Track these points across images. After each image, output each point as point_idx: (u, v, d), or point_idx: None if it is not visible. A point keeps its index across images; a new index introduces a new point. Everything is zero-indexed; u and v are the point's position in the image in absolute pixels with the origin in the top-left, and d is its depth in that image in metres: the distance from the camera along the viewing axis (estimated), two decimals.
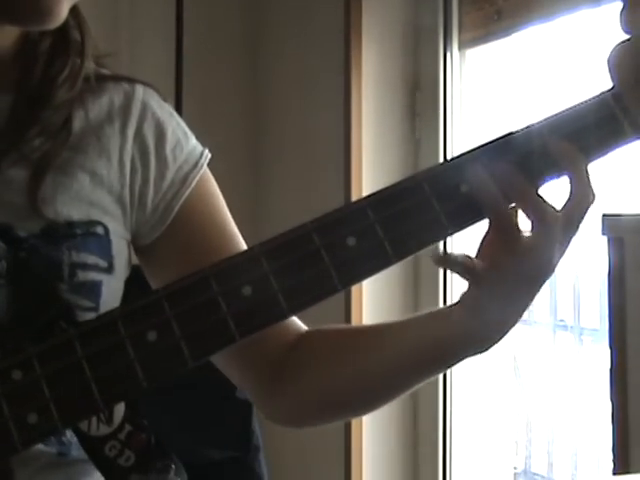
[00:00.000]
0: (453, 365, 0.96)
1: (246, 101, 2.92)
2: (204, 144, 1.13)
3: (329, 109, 2.55)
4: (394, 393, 1.01)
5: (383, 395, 1.02)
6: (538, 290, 0.86)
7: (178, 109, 2.63)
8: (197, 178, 1.08)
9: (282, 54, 2.84)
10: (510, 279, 0.84)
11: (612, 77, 0.84)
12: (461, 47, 2.38)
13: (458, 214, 0.82)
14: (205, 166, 1.10)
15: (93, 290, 0.99)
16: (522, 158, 0.83)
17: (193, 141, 1.11)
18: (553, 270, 0.85)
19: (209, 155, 1.11)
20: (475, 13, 2.33)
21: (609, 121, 0.83)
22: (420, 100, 2.45)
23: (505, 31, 2.27)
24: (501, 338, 0.91)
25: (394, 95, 2.48)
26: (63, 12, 0.95)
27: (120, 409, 0.86)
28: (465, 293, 0.89)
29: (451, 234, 0.84)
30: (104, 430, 0.86)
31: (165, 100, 1.11)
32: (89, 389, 0.77)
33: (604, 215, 1.62)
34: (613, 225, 1.62)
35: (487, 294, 0.85)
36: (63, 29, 1.02)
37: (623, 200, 1.70)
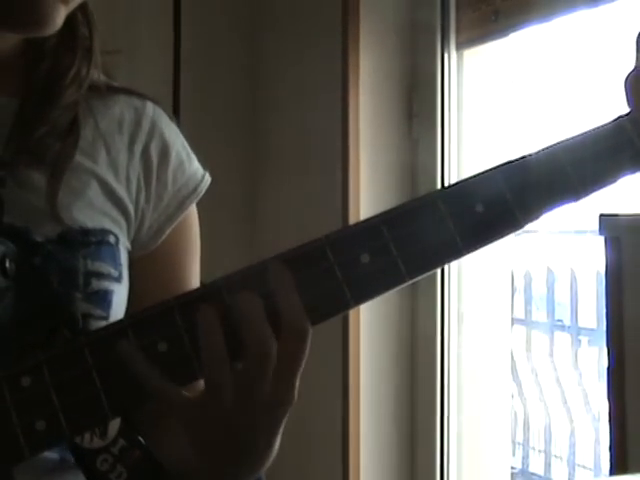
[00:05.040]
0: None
1: (243, 100, 2.92)
2: (202, 149, 1.13)
3: (327, 109, 2.55)
4: None
5: None
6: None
7: (175, 114, 2.63)
8: (194, 203, 1.09)
9: (280, 55, 2.84)
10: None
11: (629, 101, 0.83)
12: (458, 47, 2.37)
13: (473, 234, 0.82)
14: (203, 192, 1.10)
15: (105, 299, 0.99)
16: (537, 181, 0.82)
17: (195, 164, 1.11)
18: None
19: (209, 180, 1.11)
20: (472, 14, 2.33)
21: (626, 146, 0.82)
22: (417, 100, 2.45)
23: (502, 32, 2.26)
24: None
25: (391, 95, 2.48)
26: (59, 19, 0.94)
27: (115, 423, 0.84)
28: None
29: (466, 254, 0.82)
30: (97, 443, 0.84)
31: (172, 119, 1.11)
32: (98, 398, 0.77)
33: (601, 215, 1.62)
34: (610, 225, 1.62)
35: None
36: (71, 25, 1.02)
37: (620, 200, 1.70)
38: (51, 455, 0.96)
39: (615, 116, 0.83)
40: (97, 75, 1.05)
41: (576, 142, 0.83)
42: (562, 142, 0.83)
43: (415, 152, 2.45)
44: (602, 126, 0.83)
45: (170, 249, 1.08)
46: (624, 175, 0.83)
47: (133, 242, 1.06)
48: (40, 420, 0.76)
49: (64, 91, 1.01)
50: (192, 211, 1.10)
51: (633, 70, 0.83)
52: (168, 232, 1.07)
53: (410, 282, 0.81)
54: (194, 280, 1.10)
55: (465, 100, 2.38)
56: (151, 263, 1.07)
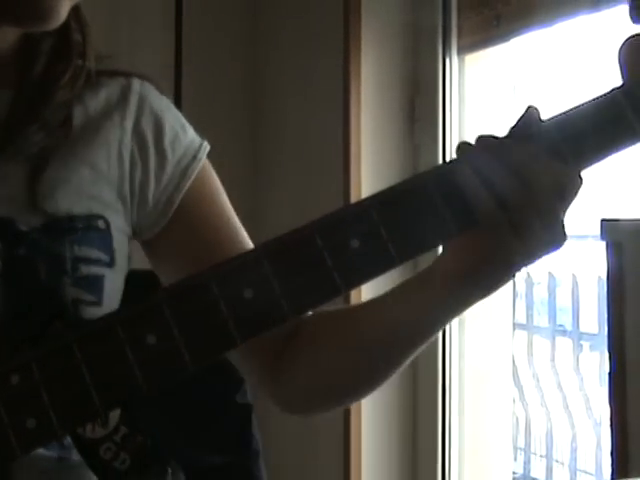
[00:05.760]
0: (439, 330, 0.96)
1: (245, 106, 2.92)
2: None
3: (328, 114, 2.55)
4: (389, 368, 1.00)
5: (379, 371, 1.01)
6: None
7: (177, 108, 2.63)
8: (197, 170, 1.08)
9: (281, 58, 2.84)
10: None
11: (622, 73, 0.81)
12: (460, 52, 2.38)
13: (463, 215, 0.81)
14: (204, 158, 1.09)
15: (96, 284, 0.99)
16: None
17: (191, 133, 1.10)
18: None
19: (208, 147, 1.10)
20: (474, 18, 2.33)
21: (619, 120, 0.81)
22: (419, 105, 2.45)
23: (504, 36, 2.27)
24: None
25: (393, 100, 2.48)
26: (63, 13, 0.95)
27: (116, 411, 0.85)
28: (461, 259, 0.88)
29: (456, 235, 0.82)
30: (99, 432, 0.85)
31: (162, 92, 1.11)
32: (88, 394, 0.77)
33: (603, 220, 1.62)
34: (612, 230, 1.62)
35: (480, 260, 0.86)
36: (65, 31, 1.02)
37: (622, 205, 1.70)
38: (49, 454, 0.96)
39: (608, 89, 0.82)
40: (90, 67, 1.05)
41: (568, 117, 0.82)
42: (554, 118, 0.82)
43: (417, 157, 2.46)
44: (595, 99, 0.82)
45: (193, 209, 1.07)
46: (619, 149, 0.82)
47: (142, 221, 1.06)
48: (30, 418, 0.76)
49: (56, 93, 1.01)
50: (205, 164, 1.09)
51: (626, 40, 0.81)
52: (178, 202, 1.06)
53: (400, 265, 0.81)
54: (233, 216, 1.10)
55: (467, 105, 2.39)
56: (181, 226, 1.06)
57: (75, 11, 1.03)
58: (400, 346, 0.98)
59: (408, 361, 0.99)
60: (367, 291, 2.32)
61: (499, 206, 0.80)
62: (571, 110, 0.82)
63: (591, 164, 0.82)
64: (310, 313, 1.05)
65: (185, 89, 2.77)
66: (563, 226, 0.82)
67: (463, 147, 0.83)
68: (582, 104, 0.82)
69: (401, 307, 0.94)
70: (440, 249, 0.89)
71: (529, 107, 0.83)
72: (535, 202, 0.80)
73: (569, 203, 0.82)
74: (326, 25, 2.60)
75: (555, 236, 0.82)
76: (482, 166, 0.80)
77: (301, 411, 1.11)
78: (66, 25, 1.02)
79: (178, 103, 2.70)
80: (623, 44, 0.81)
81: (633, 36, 0.81)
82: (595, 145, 0.81)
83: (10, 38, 1.01)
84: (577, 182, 0.81)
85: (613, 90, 0.82)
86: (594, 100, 0.82)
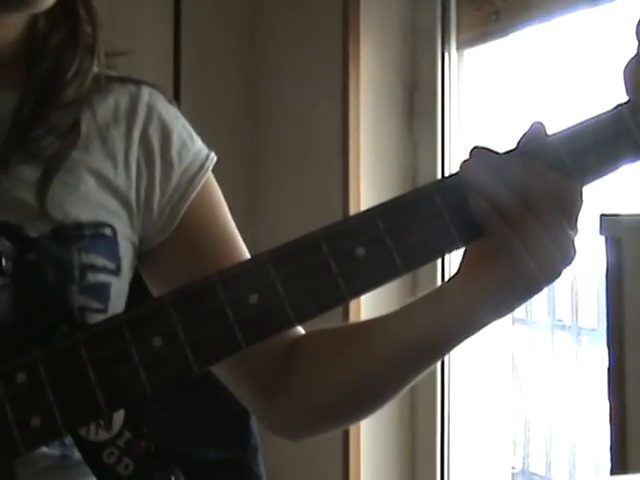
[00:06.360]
0: (445, 355, 0.96)
1: (244, 100, 2.92)
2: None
3: (327, 109, 2.55)
4: (389, 390, 0.99)
5: (378, 393, 1.00)
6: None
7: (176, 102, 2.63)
8: (203, 180, 1.07)
9: (280, 54, 2.84)
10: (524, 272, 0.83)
11: (628, 90, 0.82)
12: (459, 47, 2.38)
13: (469, 226, 0.82)
14: (211, 169, 1.09)
15: (103, 292, 0.99)
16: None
17: (199, 143, 1.10)
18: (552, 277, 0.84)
19: (215, 158, 1.10)
20: (473, 13, 2.33)
21: (623, 136, 0.82)
22: (418, 100, 2.45)
23: (503, 31, 2.27)
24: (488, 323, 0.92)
25: (392, 95, 2.48)
26: None
27: (120, 415, 0.85)
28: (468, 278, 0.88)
29: (461, 246, 0.83)
30: (103, 436, 0.85)
31: (171, 102, 1.10)
32: (93, 394, 0.77)
33: (602, 215, 1.62)
34: (611, 225, 1.62)
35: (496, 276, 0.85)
36: (74, 23, 1.02)
37: (621, 200, 1.70)
38: (52, 452, 0.96)
39: (614, 105, 0.83)
40: (99, 67, 1.04)
41: (573, 132, 0.82)
42: (560, 132, 0.83)
43: (415, 151, 2.46)
44: (600, 115, 0.83)
45: (196, 221, 1.07)
46: (622, 164, 0.83)
47: (147, 230, 1.05)
48: (35, 416, 0.76)
49: (64, 90, 1.00)
50: (209, 178, 1.09)
51: (633, 59, 0.82)
52: (183, 212, 1.06)
53: (405, 274, 0.81)
54: (234, 230, 1.09)
55: (465, 99, 2.39)
56: (182, 237, 1.06)
57: (86, 3, 1.02)
58: (403, 368, 0.97)
59: (409, 384, 0.98)
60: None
61: (503, 221, 0.81)
62: (576, 125, 0.83)
63: (595, 179, 0.83)
64: (304, 332, 1.05)
65: (184, 87, 2.77)
66: (572, 241, 0.83)
67: (462, 164, 0.84)
68: (587, 119, 0.83)
69: (407, 330, 0.94)
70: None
71: (535, 122, 0.84)
72: (538, 217, 0.81)
73: (575, 216, 0.83)
74: (325, 20, 2.60)
75: (565, 251, 0.83)
76: (481, 183, 0.81)
77: (291, 434, 1.09)
78: (75, 16, 1.01)
79: (177, 98, 2.71)
80: (629, 62, 0.82)
81: (638, 54, 0.82)
82: (599, 160, 0.82)
83: (14, 31, 1.00)
84: (580, 196, 0.82)
85: (618, 106, 0.83)
86: (599, 116, 0.83)
